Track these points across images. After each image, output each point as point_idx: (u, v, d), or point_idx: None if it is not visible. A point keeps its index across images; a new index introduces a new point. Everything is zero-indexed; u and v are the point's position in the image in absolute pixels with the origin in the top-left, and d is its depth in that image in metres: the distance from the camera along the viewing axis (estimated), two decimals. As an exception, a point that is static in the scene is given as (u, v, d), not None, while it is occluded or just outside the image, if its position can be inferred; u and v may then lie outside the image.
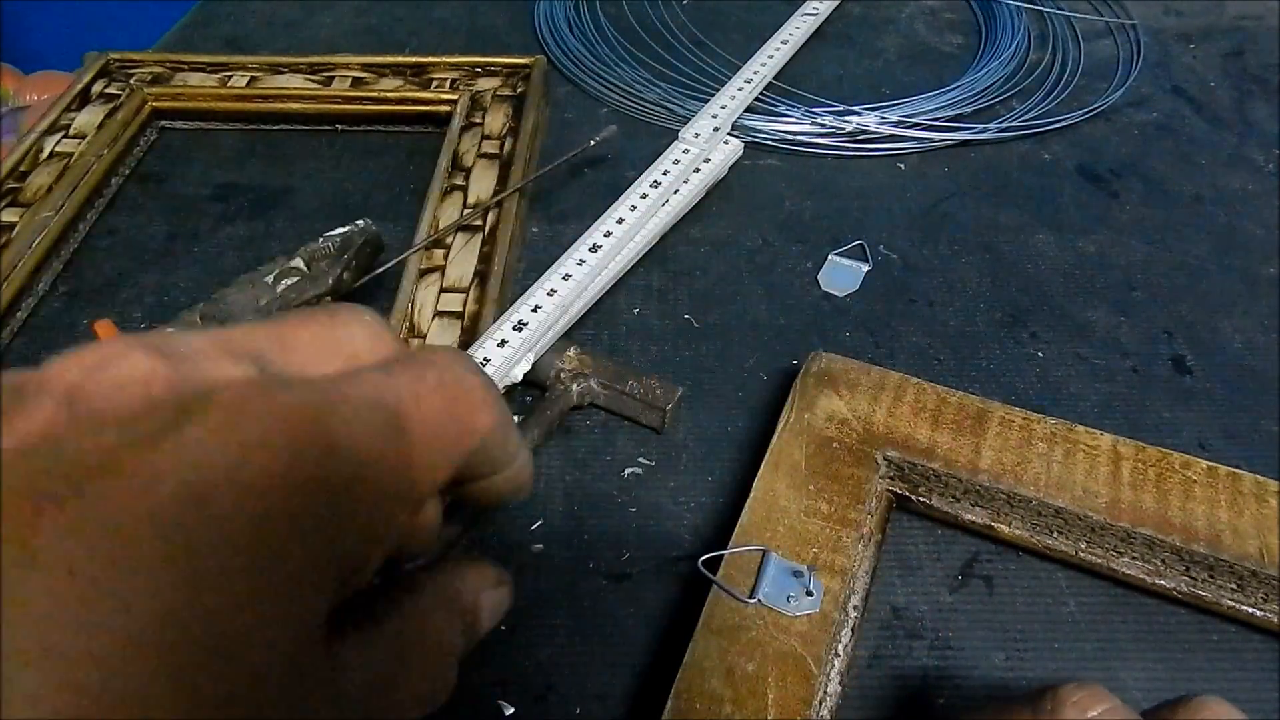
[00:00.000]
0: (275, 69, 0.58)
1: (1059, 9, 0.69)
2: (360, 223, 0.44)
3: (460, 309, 0.43)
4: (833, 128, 0.57)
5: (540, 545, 0.37)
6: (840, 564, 0.33)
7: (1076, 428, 0.37)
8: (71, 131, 0.54)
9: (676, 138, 0.52)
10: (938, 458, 0.36)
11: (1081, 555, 0.35)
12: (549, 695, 0.33)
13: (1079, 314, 0.46)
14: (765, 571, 0.32)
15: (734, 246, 0.50)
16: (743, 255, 0.49)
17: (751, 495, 0.35)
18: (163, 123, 0.58)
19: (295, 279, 0.41)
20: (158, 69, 0.58)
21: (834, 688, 0.31)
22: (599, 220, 0.47)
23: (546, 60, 0.60)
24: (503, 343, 0.40)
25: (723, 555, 0.33)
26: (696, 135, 0.52)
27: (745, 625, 0.31)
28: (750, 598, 0.32)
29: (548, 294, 0.42)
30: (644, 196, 0.48)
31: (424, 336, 0.42)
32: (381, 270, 0.45)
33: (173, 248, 0.50)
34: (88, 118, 0.55)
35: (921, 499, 0.36)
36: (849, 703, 0.32)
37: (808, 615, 0.31)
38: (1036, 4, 0.69)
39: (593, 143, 0.51)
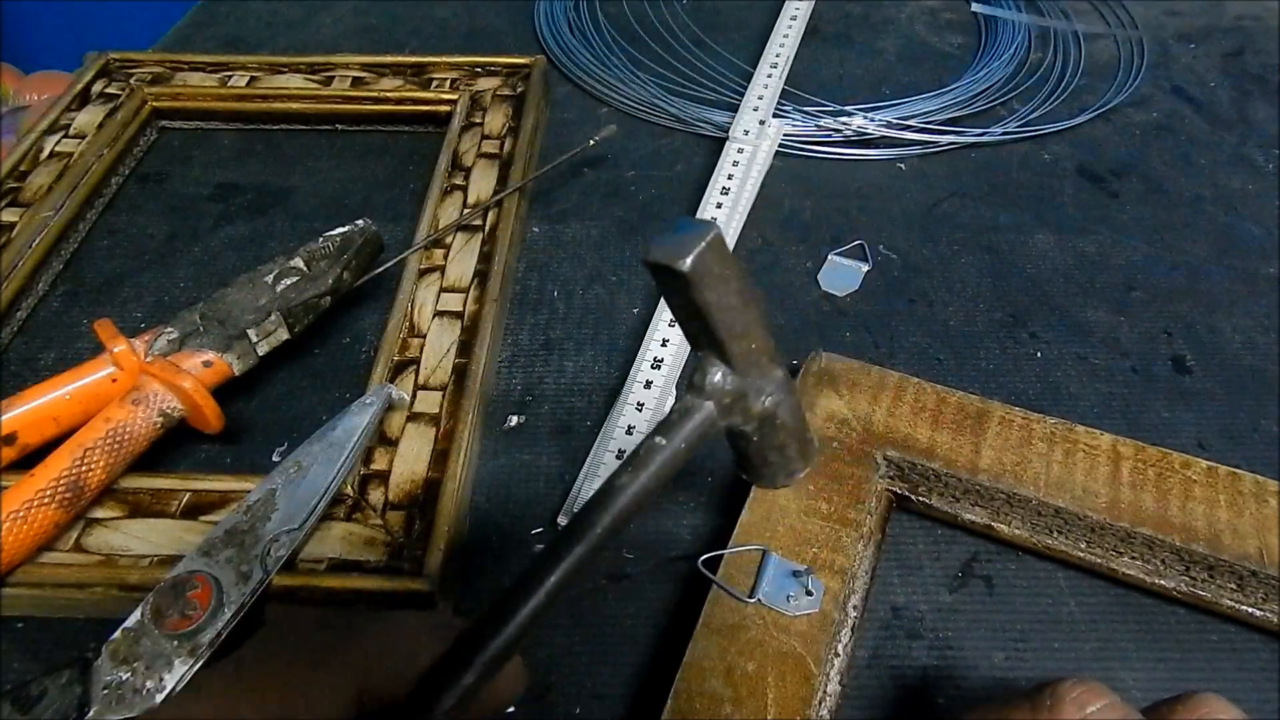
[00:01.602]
0: (275, 69, 0.58)
1: (1064, 18, 0.69)
2: (360, 222, 0.44)
3: (460, 308, 0.43)
4: (833, 130, 0.57)
5: (541, 546, 0.37)
6: (840, 564, 0.33)
7: (1076, 428, 0.37)
8: (71, 131, 0.54)
9: (728, 138, 0.54)
10: (937, 457, 0.36)
11: (1081, 555, 0.35)
12: (549, 694, 0.33)
13: (1079, 314, 0.46)
14: (765, 571, 0.33)
15: (734, 246, 0.50)
16: (743, 255, 0.49)
17: (751, 495, 0.35)
18: (163, 122, 0.58)
19: (295, 279, 0.41)
20: (158, 69, 0.58)
21: (833, 687, 0.31)
22: None
23: (546, 60, 0.60)
24: (648, 383, 0.41)
25: (722, 555, 0.33)
26: (746, 132, 0.54)
27: (745, 625, 0.31)
28: (750, 597, 0.32)
29: (669, 324, 0.43)
30: (719, 205, 0.49)
31: (424, 336, 0.42)
32: (381, 270, 0.45)
33: (173, 248, 0.50)
34: (88, 118, 0.55)
35: (921, 499, 0.36)
36: (849, 702, 0.32)
37: (807, 615, 0.32)
38: (1035, 7, 0.69)
39: (592, 142, 0.51)
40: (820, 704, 0.30)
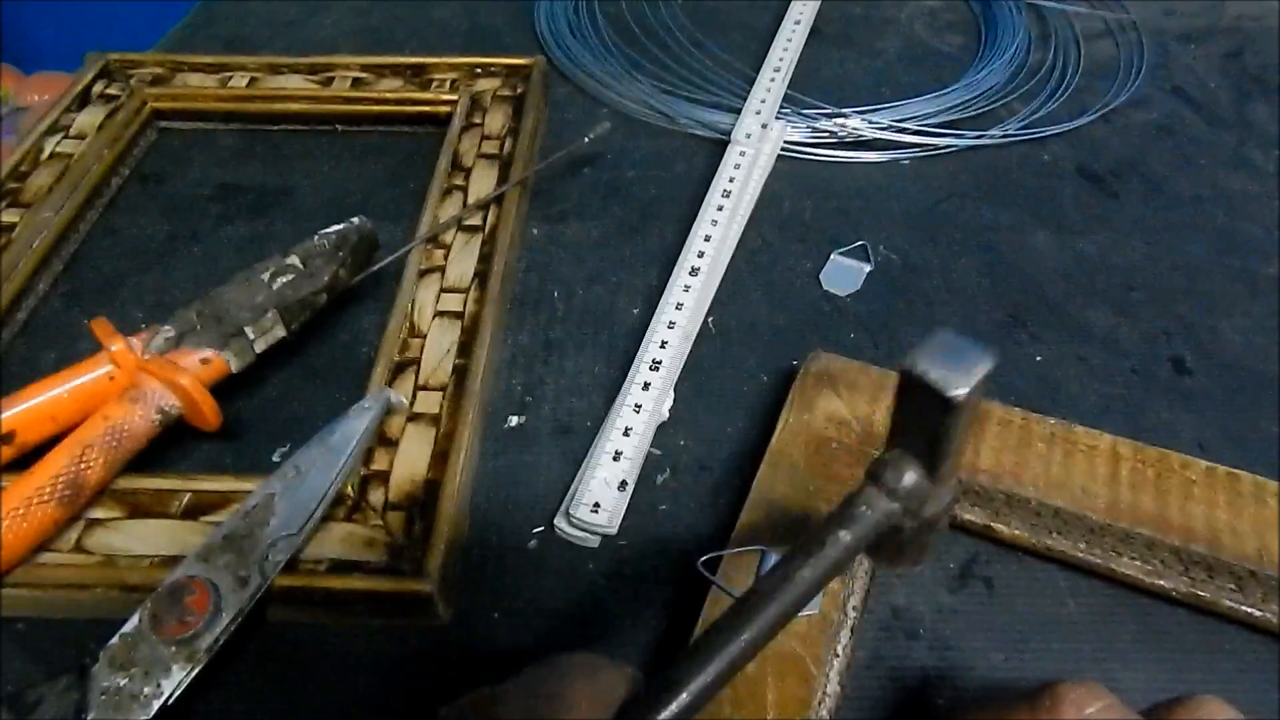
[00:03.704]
0: (275, 69, 0.58)
1: (1064, 19, 0.69)
2: (355, 220, 0.44)
3: (460, 309, 0.43)
4: (832, 132, 0.56)
5: (535, 542, 0.37)
6: None
7: (1075, 428, 0.37)
8: (72, 132, 0.54)
9: (730, 142, 0.54)
10: None
11: (1081, 555, 0.35)
12: (548, 695, 0.33)
13: (1078, 314, 0.46)
14: (764, 571, 0.32)
15: (734, 246, 0.50)
16: (743, 255, 0.49)
17: (750, 495, 0.35)
18: (163, 123, 0.58)
19: (291, 276, 0.41)
20: (158, 69, 0.58)
21: (833, 688, 0.31)
22: (687, 243, 0.47)
23: (546, 61, 0.60)
24: (646, 385, 0.41)
25: (722, 556, 0.33)
26: (748, 135, 0.54)
27: None
28: None
29: (668, 327, 0.43)
30: (720, 209, 0.49)
31: (424, 336, 0.42)
32: (378, 267, 0.45)
33: (173, 248, 0.50)
34: (88, 118, 0.55)
35: None
36: (848, 703, 0.32)
37: (807, 616, 0.31)
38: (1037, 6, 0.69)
39: (587, 139, 0.51)
40: (820, 705, 0.30)
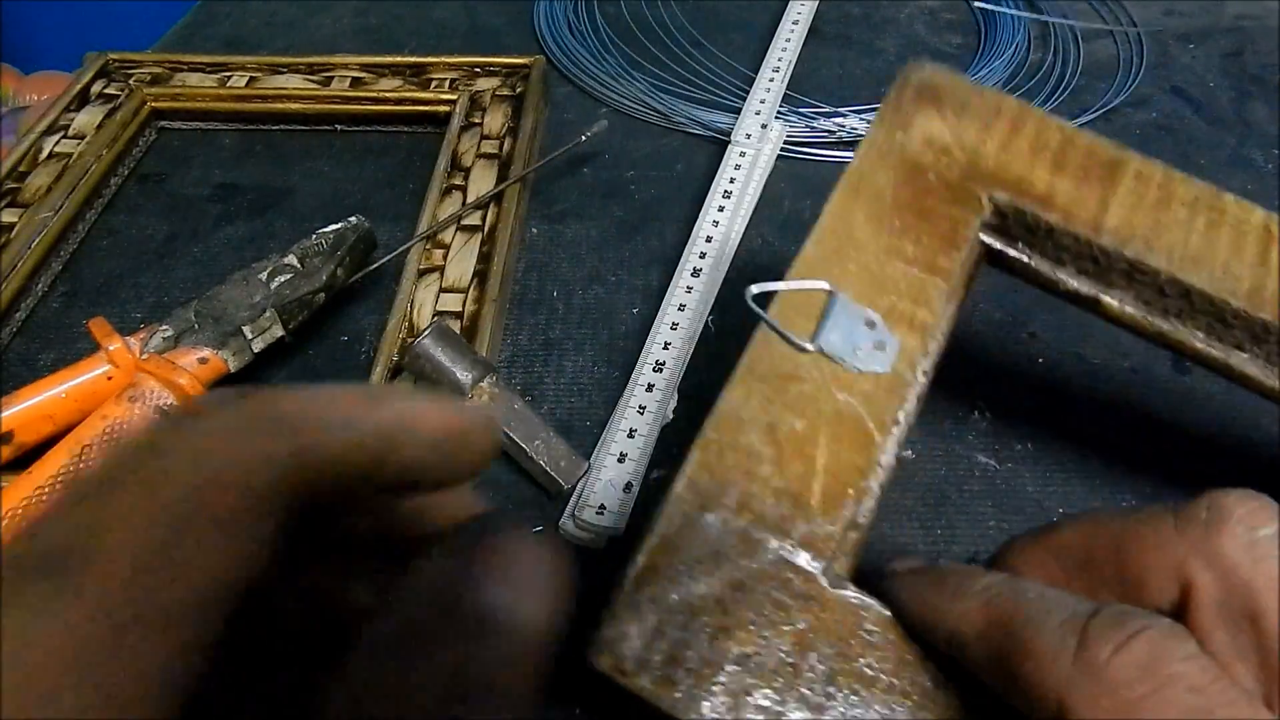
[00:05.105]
0: (275, 69, 0.58)
1: (1063, 18, 0.69)
2: (353, 219, 0.44)
3: (460, 309, 0.43)
4: (831, 132, 0.56)
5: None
6: (921, 318, 0.28)
7: (1225, 196, 0.30)
8: (71, 132, 0.54)
9: (730, 142, 0.54)
10: (1056, 208, 0.30)
11: (1199, 348, 0.30)
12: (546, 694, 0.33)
13: (1078, 314, 0.46)
14: (830, 315, 0.27)
15: (735, 247, 0.50)
16: (742, 255, 0.49)
17: (820, 223, 0.29)
18: (162, 123, 0.58)
19: (289, 275, 0.41)
20: (157, 69, 0.58)
21: (889, 460, 0.26)
22: (689, 244, 0.47)
23: (546, 61, 0.60)
24: (650, 386, 0.41)
25: (777, 290, 0.27)
26: (748, 136, 0.54)
27: (798, 375, 0.26)
28: (808, 344, 0.27)
29: (671, 328, 0.43)
30: (721, 209, 0.49)
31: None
32: (376, 266, 0.45)
33: (172, 248, 0.50)
34: (87, 118, 0.55)
35: (1021, 255, 0.31)
36: (903, 474, 0.28)
37: (875, 373, 0.27)
38: (1035, 10, 0.69)
39: (583, 137, 0.51)
40: (872, 478, 0.26)
